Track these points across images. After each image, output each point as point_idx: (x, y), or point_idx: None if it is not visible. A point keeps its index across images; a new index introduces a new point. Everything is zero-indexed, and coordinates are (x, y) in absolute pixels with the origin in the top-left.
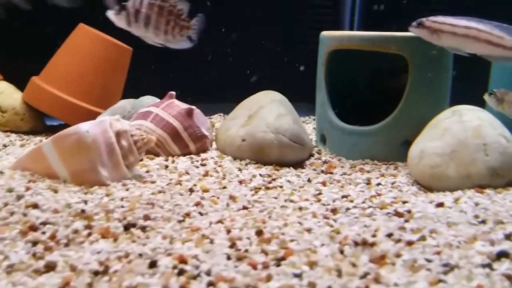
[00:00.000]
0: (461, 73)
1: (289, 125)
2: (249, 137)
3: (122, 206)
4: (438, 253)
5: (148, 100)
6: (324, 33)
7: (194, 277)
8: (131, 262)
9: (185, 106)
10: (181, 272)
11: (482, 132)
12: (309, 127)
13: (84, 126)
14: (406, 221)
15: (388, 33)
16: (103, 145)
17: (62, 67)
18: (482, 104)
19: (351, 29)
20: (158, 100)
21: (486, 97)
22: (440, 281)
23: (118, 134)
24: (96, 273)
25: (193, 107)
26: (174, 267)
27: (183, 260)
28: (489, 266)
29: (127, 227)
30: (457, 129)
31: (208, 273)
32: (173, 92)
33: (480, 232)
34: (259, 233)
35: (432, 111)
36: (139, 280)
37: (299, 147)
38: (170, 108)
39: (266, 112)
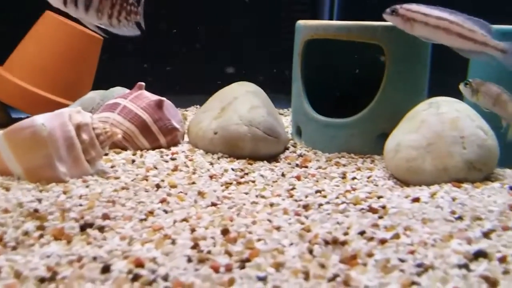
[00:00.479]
0: (439, 63)
1: (263, 117)
2: (222, 130)
3: (80, 205)
4: (412, 252)
5: (119, 92)
6: (300, 22)
7: (150, 283)
8: (83, 266)
9: (154, 97)
10: (135, 278)
11: (460, 124)
12: (287, 120)
13: (40, 119)
14: (380, 217)
15: (364, 22)
16: (61, 139)
17: (27, 57)
18: (461, 96)
19: (331, 19)
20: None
21: (461, 87)
22: (414, 283)
23: (79, 127)
24: (42, 280)
25: (163, 98)
26: (129, 272)
27: (139, 264)
28: (465, 266)
29: (83, 228)
30: (434, 121)
31: (165, 278)
32: (143, 83)
33: (457, 230)
34: (225, 232)
35: (409, 103)
36: None
37: (274, 140)
38: (139, 100)
39: (239, 103)
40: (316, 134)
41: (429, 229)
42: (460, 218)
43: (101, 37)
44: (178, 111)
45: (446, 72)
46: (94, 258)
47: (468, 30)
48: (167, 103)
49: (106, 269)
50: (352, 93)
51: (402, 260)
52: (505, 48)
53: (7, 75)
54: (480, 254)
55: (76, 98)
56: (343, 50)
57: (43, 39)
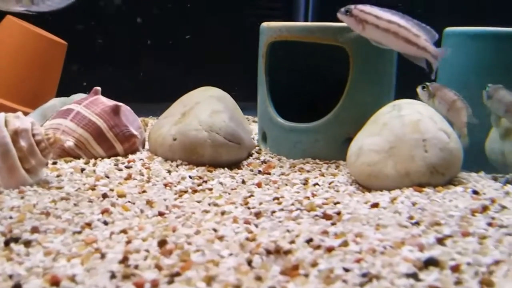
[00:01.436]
0: (408, 63)
1: (224, 122)
2: (181, 136)
3: (10, 217)
4: (359, 260)
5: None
6: (264, 24)
7: None
8: None
9: (111, 102)
10: None
11: (422, 126)
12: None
13: None
14: (333, 224)
15: (327, 24)
16: None
17: None
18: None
19: (306, 20)
20: None
21: (418, 89)
22: None
23: (16, 133)
24: None
25: (120, 104)
26: None
27: (55, 282)
28: (414, 276)
29: (7, 242)
30: (396, 124)
31: None
32: (98, 88)
33: (409, 236)
34: (162, 243)
35: (375, 106)
36: None
37: (235, 146)
38: (94, 105)
39: (200, 108)
40: (280, 140)
41: (381, 235)
42: (417, 223)
43: (65, 43)
44: (137, 117)
45: (415, 74)
46: (10, 276)
47: (413, 35)
48: (125, 109)
49: None
50: (321, 96)
51: (346, 270)
52: (440, 54)
53: None
54: (431, 262)
55: (39, 105)
56: (310, 52)
57: (3, 44)
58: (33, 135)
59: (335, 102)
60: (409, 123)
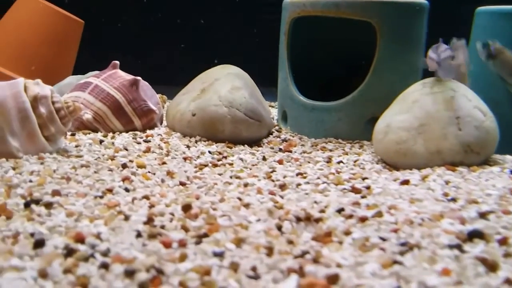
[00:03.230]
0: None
1: (244, 98)
2: (200, 111)
3: (30, 181)
4: (396, 230)
5: None
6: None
7: (86, 258)
8: (17, 243)
9: (129, 77)
10: (70, 253)
11: (455, 104)
12: (275, 111)
13: None
14: (363, 197)
15: None
16: (13, 111)
17: (3, 40)
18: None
19: None
20: None
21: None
22: (395, 262)
23: (35, 100)
24: None
25: (139, 78)
26: (65, 247)
27: (79, 239)
28: (458, 247)
29: (28, 204)
30: (427, 101)
31: (105, 254)
32: (117, 62)
33: (448, 209)
34: (186, 208)
35: (402, 85)
36: (13, 263)
37: (256, 123)
38: (112, 79)
39: (220, 84)
40: (302, 119)
41: (417, 208)
42: (453, 199)
43: (82, 21)
44: (155, 92)
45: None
46: (32, 235)
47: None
48: (143, 84)
49: (39, 244)
50: (343, 74)
51: (383, 239)
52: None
53: None
54: (475, 234)
55: (56, 83)
56: (333, 28)
57: (21, 21)
58: (53, 103)
59: (357, 81)
60: (442, 100)
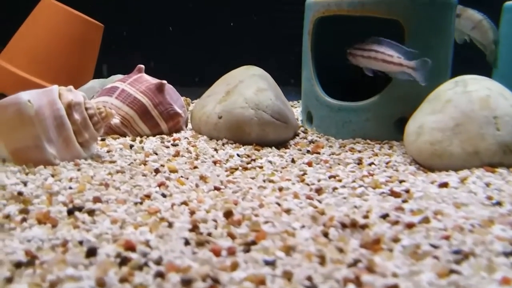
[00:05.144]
0: (461, 46)
1: (270, 100)
2: (226, 114)
3: (70, 188)
4: (447, 237)
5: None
6: None
7: (140, 267)
8: (67, 251)
9: (155, 80)
10: (124, 261)
11: (492, 103)
12: (297, 111)
13: (26, 95)
14: (404, 201)
15: None
16: (50, 118)
17: (25, 45)
18: (488, 75)
19: None
20: None
21: None
22: (452, 271)
23: (70, 106)
24: (18, 265)
25: (164, 81)
26: (117, 256)
27: (130, 247)
28: None
29: (71, 211)
30: (461, 100)
31: (158, 262)
32: (142, 66)
33: (497, 214)
34: (228, 214)
35: (431, 83)
36: (69, 273)
37: (282, 125)
38: (138, 83)
39: (245, 86)
40: (328, 119)
41: (464, 213)
42: (498, 203)
43: (102, 25)
44: (180, 95)
45: (472, 50)
46: (80, 242)
47: (387, 55)
48: (168, 87)
49: (91, 253)
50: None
51: (434, 246)
52: (414, 66)
53: (6, 65)
54: None
55: (78, 87)
56: (358, 28)
57: (42, 26)
58: (86, 109)
59: (384, 80)
60: (477, 99)
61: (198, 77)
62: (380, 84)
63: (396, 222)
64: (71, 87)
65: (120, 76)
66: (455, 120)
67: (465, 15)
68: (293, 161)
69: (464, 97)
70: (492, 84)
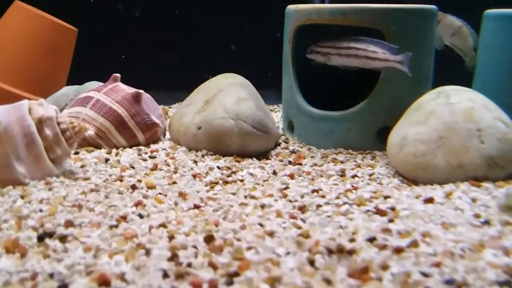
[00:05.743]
0: (440, 53)
1: (251, 110)
2: (206, 125)
3: (41, 210)
4: (438, 264)
5: (94, 86)
6: (291, 6)
7: None
8: (37, 285)
9: (131, 90)
10: None
11: (475, 115)
12: (277, 116)
13: None
14: (391, 220)
15: (361, 5)
16: (19, 135)
17: None
18: (469, 85)
19: (323, 1)
20: None
21: None
22: None
23: (40, 122)
24: None
25: (141, 91)
26: None
27: (104, 281)
28: (508, 284)
29: (41, 238)
30: (444, 112)
31: None
32: (118, 74)
33: (488, 237)
34: (209, 239)
35: (413, 92)
36: None
37: (263, 135)
38: (114, 93)
39: (224, 96)
40: (310, 129)
41: (453, 235)
42: (487, 222)
43: (75, 29)
44: (157, 105)
45: (453, 60)
46: (51, 275)
47: (371, 51)
48: (146, 96)
49: None
50: (350, 83)
51: (426, 275)
52: (401, 60)
53: None
54: None
55: (49, 94)
56: (340, 34)
57: (13, 31)
58: (58, 124)
59: (367, 89)
60: (461, 111)
61: (178, 81)
62: (362, 92)
63: (384, 247)
64: (42, 100)
65: (95, 83)
66: (438, 132)
67: (444, 21)
68: (274, 173)
69: (446, 108)
70: (475, 95)
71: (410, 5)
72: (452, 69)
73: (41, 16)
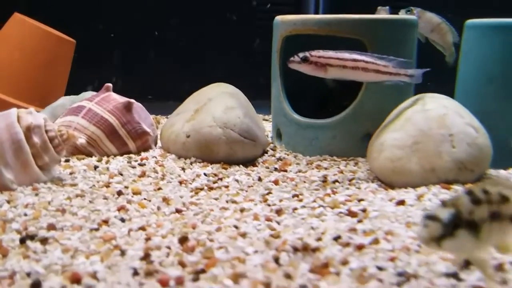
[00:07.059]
0: (426, 59)
1: (238, 118)
2: (194, 133)
3: (25, 214)
4: (393, 259)
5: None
6: (278, 17)
7: None
8: (13, 284)
9: (123, 99)
10: None
11: (448, 121)
12: (270, 126)
13: None
14: (360, 221)
15: (345, 16)
16: (7, 142)
17: None
18: (451, 92)
19: (316, 13)
20: None
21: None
22: None
23: (29, 129)
24: None
25: (132, 100)
26: None
27: (76, 279)
28: (455, 276)
29: (23, 240)
30: (419, 118)
31: None
32: (110, 84)
33: None
34: (183, 240)
35: (395, 100)
36: None
37: (250, 143)
38: (106, 102)
39: (213, 105)
40: (296, 137)
41: (414, 233)
42: None
43: (73, 40)
44: (148, 114)
45: (435, 68)
46: (28, 274)
47: (382, 66)
48: (137, 106)
49: (35, 286)
50: (336, 92)
51: (380, 268)
52: (412, 73)
53: None
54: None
55: (48, 104)
56: (325, 46)
57: (11, 43)
58: (46, 131)
59: (351, 98)
60: (434, 117)
61: (172, 93)
62: (347, 100)
63: (347, 244)
64: (32, 109)
65: (91, 93)
66: (413, 138)
67: (424, 18)
68: (259, 179)
69: (422, 115)
70: (449, 102)
71: (392, 16)
72: (436, 73)
73: (40, 28)
